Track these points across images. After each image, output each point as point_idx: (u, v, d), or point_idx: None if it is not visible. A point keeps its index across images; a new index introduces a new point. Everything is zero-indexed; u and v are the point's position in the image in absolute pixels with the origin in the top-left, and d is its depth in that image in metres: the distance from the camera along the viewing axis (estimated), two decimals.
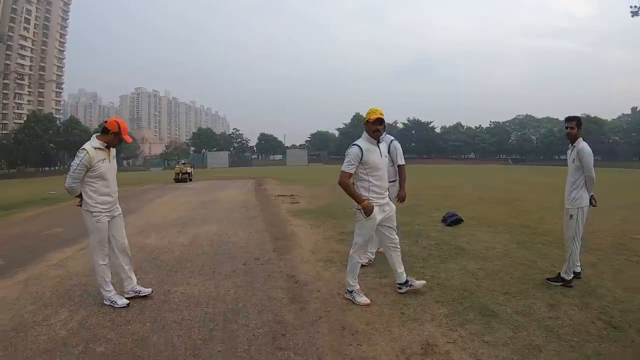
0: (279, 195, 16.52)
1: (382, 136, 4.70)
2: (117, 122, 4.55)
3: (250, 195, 18.27)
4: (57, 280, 5.41)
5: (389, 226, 4.66)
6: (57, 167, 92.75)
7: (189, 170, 32.22)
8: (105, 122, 4.58)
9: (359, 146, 4.33)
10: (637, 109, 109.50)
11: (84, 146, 4.44)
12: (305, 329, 3.74)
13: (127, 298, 4.56)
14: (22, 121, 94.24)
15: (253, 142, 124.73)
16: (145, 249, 7.16)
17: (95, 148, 4.42)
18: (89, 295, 4.77)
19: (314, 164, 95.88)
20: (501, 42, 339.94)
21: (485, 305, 4.24)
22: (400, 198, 5.82)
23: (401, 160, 5.87)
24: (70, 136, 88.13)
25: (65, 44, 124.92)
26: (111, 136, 4.50)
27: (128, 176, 44.87)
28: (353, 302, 4.35)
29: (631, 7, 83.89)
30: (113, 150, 4.66)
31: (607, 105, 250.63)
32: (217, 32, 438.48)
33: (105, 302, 4.50)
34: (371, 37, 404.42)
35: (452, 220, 9.10)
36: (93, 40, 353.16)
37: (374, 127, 4.35)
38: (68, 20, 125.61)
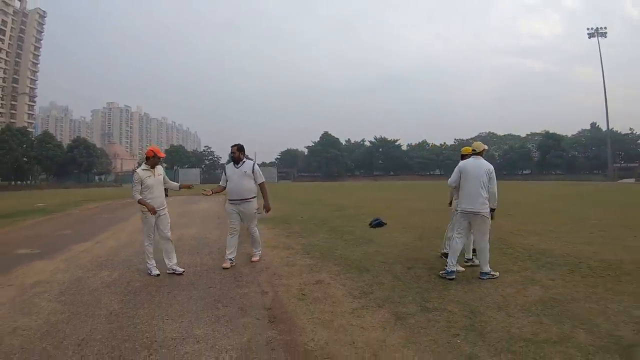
0: None
1: (243, 161, 7.33)
2: (151, 149, 6.84)
3: (221, 208, 20.81)
4: (90, 259, 8.02)
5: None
6: (29, 182, 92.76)
7: None
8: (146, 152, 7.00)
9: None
10: (596, 125, 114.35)
11: (136, 170, 6.91)
12: (252, 275, 6.54)
13: (168, 273, 6.65)
14: None
15: (224, 159, 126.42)
16: None
17: (143, 170, 6.71)
18: (119, 265, 7.44)
19: (283, 181, 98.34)
20: (469, 61, 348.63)
21: (365, 267, 6.99)
22: (265, 209, 7.57)
23: (261, 179, 7.44)
24: (44, 150, 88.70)
25: (39, 57, 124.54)
26: (151, 160, 6.76)
27: (105, 192, 47.01)
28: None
29: (588, 29, 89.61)
30: (158, 169, 6.83)
31: (571, 121, 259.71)
32: (191, 45, 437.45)
33: (149, 273, 6.65)
34: (342, 55, 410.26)
35: (376, 223, 11.94)
36: (65, 52, 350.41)
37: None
38: (43, 33, 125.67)
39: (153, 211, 6.55)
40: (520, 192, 32.68)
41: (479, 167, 6.44)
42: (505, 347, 3.77)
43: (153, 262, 6.72)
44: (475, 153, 6.61)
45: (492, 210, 6.43)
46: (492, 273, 6.22)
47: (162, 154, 7.01)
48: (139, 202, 6.63)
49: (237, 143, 7.42)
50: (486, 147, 6.77)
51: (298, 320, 4.56)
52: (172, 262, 6.79)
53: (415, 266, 7.05)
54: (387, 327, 4.31)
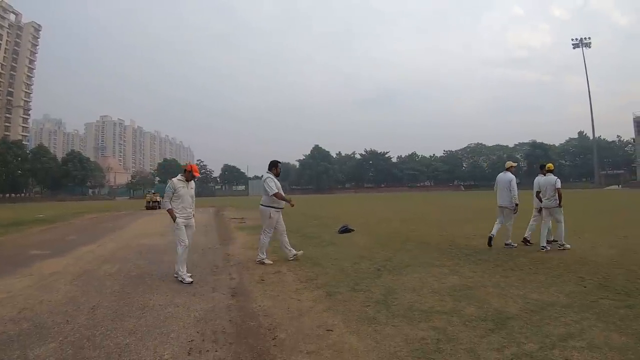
0: (232, 218, 21.12)
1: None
2: (191, 166, 7.52)
3: (210, 219, 22.72)
4: (95, 257, 9.66)
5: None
6: (23, 194, 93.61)
7: (158, 199, 36.56)
8: (186, 164, 7.86)
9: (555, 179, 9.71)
10: (584, 133, 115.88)
11: (172, 179, 7.42)
12: (226, 267, 8.16)
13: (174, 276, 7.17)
14: None
15: (217, 173, 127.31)
16: (142, 245, 11.50)
17: (178, 180, 7.32)
18: (119, 261, 9.05)
19: None
20: (459, 73, 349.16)
21: (319, 262, 8.52)
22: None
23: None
24: (39, 164, 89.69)
25: (34, 70, 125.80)
26: (187, 173, 7.41)
27: (100, 204, 48.43)
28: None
29: (572, 39, 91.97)
30: (191, 184, 7.45)
31: (562, 130, 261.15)
32: (186, 60, 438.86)
33: (176, 276, 7.06)
34: (334, 69, 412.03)
35: (343, 230, 13.48)
36: (59, 65, 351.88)
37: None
38: (38, 47, 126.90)
39: (174, 218, 7.15)
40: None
41: (504, 178, 10.03)
42: (401, 314, 5.07)
43: (185, 269, 7.05)
44: (506, 169, 10.25)
45: (516, 205, 9.77)
46: (512, 244, 9.79)
47: (198, 174, 7.66)
48: (168, 211, 7.21)
49: (276, 160, 9.03)
50: (514, 164, 10.71)
51: (253, 295, 6.14)
52: (184, 270, 7.07)
53: (360, 262, 8.47)
54: (317, 300, 5.77)
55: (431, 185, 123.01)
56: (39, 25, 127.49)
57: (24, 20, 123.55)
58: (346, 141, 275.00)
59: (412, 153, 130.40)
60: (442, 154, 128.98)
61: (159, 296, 6.09)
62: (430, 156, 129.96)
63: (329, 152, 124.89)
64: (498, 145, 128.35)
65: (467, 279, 6.74)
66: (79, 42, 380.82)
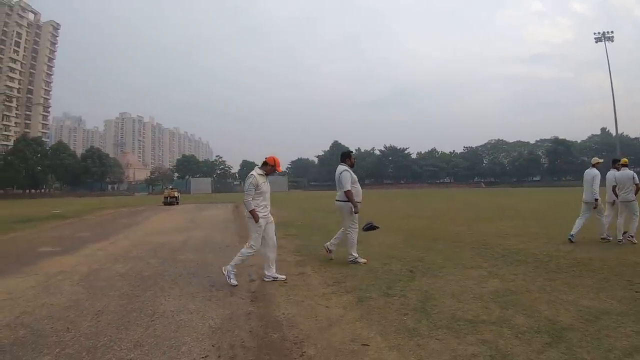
0: None
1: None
2: (274, 158, 6.60)
3: (228, 214, 22.22)
4: (106, 254, 9.15)
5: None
6: (43, 190, 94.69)
7: (176, 194, 36.41)
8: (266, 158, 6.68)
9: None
10: (606, 130, 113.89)
11: (251, 172, 6.53)
12: (245, 268, 7.41)
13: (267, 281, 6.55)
14: (8, 143, 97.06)
15: (235, 169, 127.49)
16: (156, 243, 11.00)
17: (258, 174, 6.48)
18: (131, 260, 8.51)
19: (294, 191, 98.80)
20: (478, 69, 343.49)
21: (345, 263, 7.92)
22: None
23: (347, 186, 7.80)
24: (58, 160, 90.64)
25: (53, 68, 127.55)
26: (269, 167, 6.57)
27: (118, 200, 48.56)
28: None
29: (595, 33, 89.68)
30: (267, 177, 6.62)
31: (583, 127, 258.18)
32: (201, 60, 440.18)
33: (224, 272, 6.42)
34: (351, 69, 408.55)
35: (368, 227, 12.73)
36: (78, 63, 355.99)
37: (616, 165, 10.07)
38: (57, 45, 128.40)
39: (257, 219, 6.40)
40: (519, 198, 33.25)
41: (588, 174, 10.09)
42: (445, 324, 4.46)
43: (235, 270, 6.53)
44: (592, 165, 10.34)
45: (595, 200, 9.69)
46: (608, 237, 9.83)
47: (280, 169, 6.90)
48: (251, 212, 6.39)
49: (349, 150, 8.38)
50: (601, 160, 10.60)
51: (275, 300, 5.52)
52: (273, 271, 6.71)
53: (390, 262, 7.87)
54: (348, 307, 5.15)
55: (451, 182, 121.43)
56: (58, 24, 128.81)
57: (43, 19, 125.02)
58: (365, 139, 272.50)
59: (432, 149, 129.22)
60: (462, 150, 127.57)
61: (172, 300, 5.51)
62: (450, 152, 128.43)
63: (348, 147, 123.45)
64: (519, 141, 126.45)
65: (509, 283, 6.15)
66: (97, 41, 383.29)
